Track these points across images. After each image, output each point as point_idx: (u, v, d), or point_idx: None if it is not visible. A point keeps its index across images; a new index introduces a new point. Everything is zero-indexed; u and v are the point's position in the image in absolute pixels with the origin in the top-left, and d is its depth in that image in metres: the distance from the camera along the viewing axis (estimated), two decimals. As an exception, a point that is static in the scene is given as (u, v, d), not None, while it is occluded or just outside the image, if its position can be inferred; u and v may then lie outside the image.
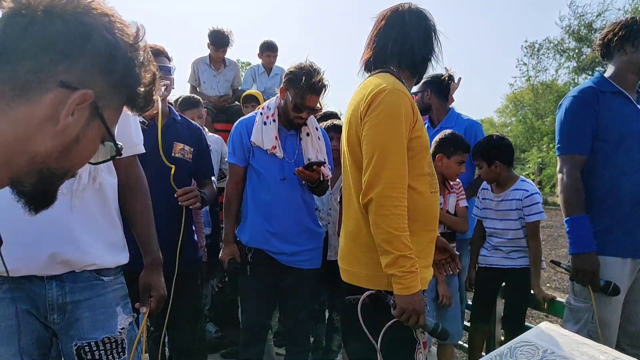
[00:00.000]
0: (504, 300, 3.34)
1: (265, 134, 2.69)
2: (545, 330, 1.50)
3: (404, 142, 1.78)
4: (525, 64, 27.55)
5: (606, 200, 2.38)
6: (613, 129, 2.37)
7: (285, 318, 2.87)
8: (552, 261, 2.79)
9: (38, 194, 0.83)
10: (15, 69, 0.73)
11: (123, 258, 1.76)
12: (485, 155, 3.12)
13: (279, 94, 2.77)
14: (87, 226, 1.61)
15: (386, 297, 1.81)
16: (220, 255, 2.80)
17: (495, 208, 3.18)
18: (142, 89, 0.87)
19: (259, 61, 5.58)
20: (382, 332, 1.78)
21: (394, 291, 1.76)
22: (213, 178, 3.00)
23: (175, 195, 2.45)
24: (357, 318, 1.83)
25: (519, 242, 3.14)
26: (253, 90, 4.78)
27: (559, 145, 2.49)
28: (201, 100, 3.91)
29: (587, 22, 24.52)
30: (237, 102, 5.23)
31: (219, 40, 5.16)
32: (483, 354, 3.40)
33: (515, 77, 28.64)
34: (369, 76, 1.97)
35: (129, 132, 1.82)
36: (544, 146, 24.22)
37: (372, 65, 1.99)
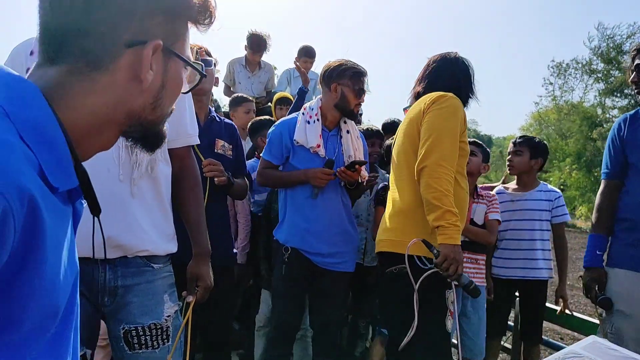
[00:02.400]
0: (515, 311, 3.39)
1: (309, 133, 2.74)
2: (594, 344, 1.50)
3: (457, 134, 2.16)
4: (551, 83, 27.40)
5: (630, 219, 2.47)
6: (635, 152, 2.49)
7: (313, 321, 2.87)
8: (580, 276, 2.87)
9: (149, 138, 0.87)
10: (82, 45, 0.75)
11: (173, 246, 1.79)
12: (533, 148, 3.26)
13: (323, 97, 2.84)
14: (142, 213, 1.65)
15: (431, 246, 2.06)
16: None
17: (516, 208, 3.20)
18: (196, 1, 0.85)
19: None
20: (421, 278, 2.07)
21: (439, 241, 2.03)
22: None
23: (202, 166, 2.46)
24: (394, 290, 2.22)
25: (535, 246, 3.16)
26: (287, 93, 4.83)
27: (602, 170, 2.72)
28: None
29: (616, 43, 24.30)
30: (270, 104, 5.28)
31: (256, 45, 5.22)
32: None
33: (541, 96, 28.42)
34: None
35: (184, 123, 1.86)
36: (567, 167, 23.96)
37: (422, 95, 2.35)
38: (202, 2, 0.85)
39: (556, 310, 3.26)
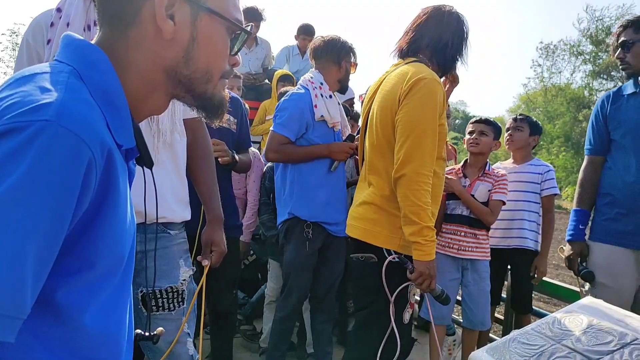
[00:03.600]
0: (506, 282, 3.49)
1: (330, 109, 2.81)
2: (589, 304, 1.60)
3: (437, 127, 2.00)
4: (539, 65, 27.54)
5: (612, 194, 2.54)
6: (621, 129, 2.52)
7: (318, 289, 2.95)
8: (560, 248, 2.98)
9: (201, 102, 0.87)
10: (114, 3, 0.79)
11: (188, 214, 1.86)
12: (533, 126, 3.40)
13: (323, 72, 2.88)
14: (162, 181, 1.71)
15: (405, 262, 2.04)
16: None
17: (514, 179, 3.29)
18: None
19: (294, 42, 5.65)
20: (396, 292, 2.04)
21: (414, 256, 1.99)
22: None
23: None
24: (361, 276, 2.20)
25: (522, 216, 3.27)
26: (287, 71, 4.85)
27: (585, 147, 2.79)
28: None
29: (605, 25, 24.44)
30: (267, 81, 5.30)
31: (250, 16, 5.21)
32: (491, 336, 3.53)
33: (529, 78, 28.70)
34: (403, 64, 2.15)
35: None
36: (554, 149, 24.23)
37: (405, 52, 2.20)
38: None
39: (546, 282, 3.37)
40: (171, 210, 1.76)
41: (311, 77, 2.88)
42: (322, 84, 2.84)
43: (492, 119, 3.27)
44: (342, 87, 2.97)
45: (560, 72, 27.23)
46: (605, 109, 2.61)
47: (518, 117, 3.47)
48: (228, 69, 0.88)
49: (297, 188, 2.82)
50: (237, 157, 2.69)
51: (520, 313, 3.38)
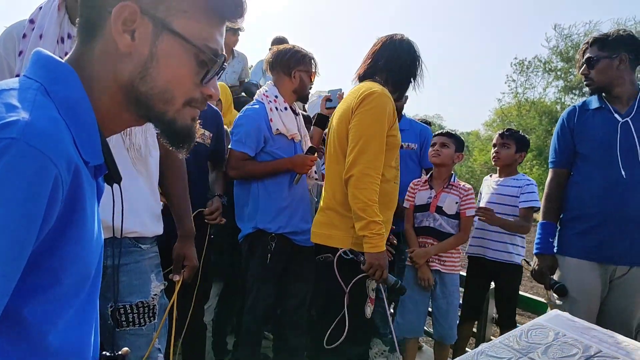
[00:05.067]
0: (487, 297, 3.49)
1: (286, 121, 2.81)
2: (556, 316, 1.63)
3: (384, 136, 2.23)
4: (514, 80, 28.03)
5: (580, 208, 2.58)
6: (588, 143, 2.57)
7: (289, 300, 2.92)
8: (525, 260, 3.03)
9: (162, 126, 0.86)
10: (84, 13, 0.80)
11: (160, 228, 1.85)
12: (520, 142, 3.43)
13: (278, 82, 2.91)
14: (135, 195, 1.70)
15: (357, 255, 2.23)
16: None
17: (495, 192, 3.37)
18: None
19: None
20: (351, 284, 2.23)
21: (365, 249, 2.18)
22: None
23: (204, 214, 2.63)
24: (322, 276, 2.35)
25: (503, 229, 3.28)
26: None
27: (549, 160, 2.81)
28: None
29: (574, 42, 25.05)
30: (243, 94, 5.30)
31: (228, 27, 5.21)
32: (467, 349, 3.55)
33: (503, 93, 29.20)
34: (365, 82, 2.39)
35: None
36: (528, 162, 24.62)
37: (363, 77, 2.44)
38: None
39: (524, 297, 3.39)
40: (143, 224, 1.76)
41: (266, 91, 2.90)
42: (276, 96, 2.85)
43: (454, 132, 3.35)
44: (300, 97, 2.97)
45: (533, 88, 27.80)
46: (572, 123, 2.65)
47: (505, 132, 3.49)
48: (198, 98, 0.86)
49: (263, 201, 2.80)
50: (224, 201, 2.76)
51: (504, 327, 3.37)
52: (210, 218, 2.61)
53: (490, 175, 3.63)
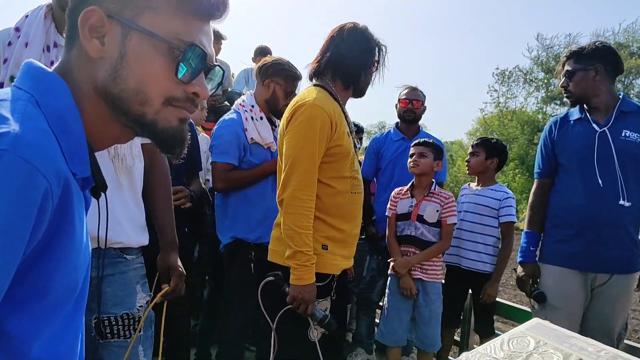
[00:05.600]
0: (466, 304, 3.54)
1: (261, 130, 2.82)
2: (537, 325, 1.65)
3: (315, 151, 2.04)
4: (496, 90, 28.37)
5: (560, 216, 2.64)
6: (568, 153, 2.63)
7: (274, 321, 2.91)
8: (514, 269, 3.06)
9: (144, 129, 0.83)
10: (67, 22, 0.81)
11: (145, 239, 1.85)
12: (489, 149, 3.45)
13: (256, 91, 2.93)
14: (119, 206, 1.71)
15: (283, 284, 2.07)
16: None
17: (472, 201, 3.40)
18: None
19: (252, 65, 5.69)
20: (279, 315, 2.07)
21: (290, 280, 2.02)
22: (201, 173, 3.09)
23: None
24: (269, 295, 2.15)
25: (477, 239, 3.34)
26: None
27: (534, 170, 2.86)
28: None
29: (555, 53, 25.46)
30: (226, 103, 5.31)
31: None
32: (450, 358, 3.57)
33: (486, 103, 29.51)
34: (308, 87, 2.25)
35: None
36: (510, 171, 24.88)
37: (311, 77, 2.28)
38: None
39: (506, 305, 3.44)
40: (127, 235, 1.76)
41: (243, 101, 2.92)
42: (253, 106, 2.87)
43: (431, 141, 3.33)
44: (272, 110, 2.92)
45: (515, 97, 28.16)
46: (553, 134, 2.71)
47: (474, 142, 3.56)
48: (180, 96, 0.82)
49: (241, 211, 2.80)
50: (194, 195, 2.70)
51: (483, 335, 3.41)
52: (174, 198, 2.49)
53: (469, 184, 3.66)
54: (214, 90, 0.90)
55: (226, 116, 2.93)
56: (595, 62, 2.57)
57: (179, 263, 1.94)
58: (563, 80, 2.68)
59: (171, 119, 0.83)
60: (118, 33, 0.78)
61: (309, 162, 2.03)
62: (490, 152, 3.46)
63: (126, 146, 1.75)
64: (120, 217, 1.71)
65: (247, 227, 2.78)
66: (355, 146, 2.25)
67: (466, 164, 3.55)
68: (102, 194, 0.88)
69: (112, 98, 0.79)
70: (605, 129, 2.55)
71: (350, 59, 2.17)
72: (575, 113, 2.69)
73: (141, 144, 1.86)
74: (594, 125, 2.58)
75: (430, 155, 3.22)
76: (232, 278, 2.81)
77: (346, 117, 2.23)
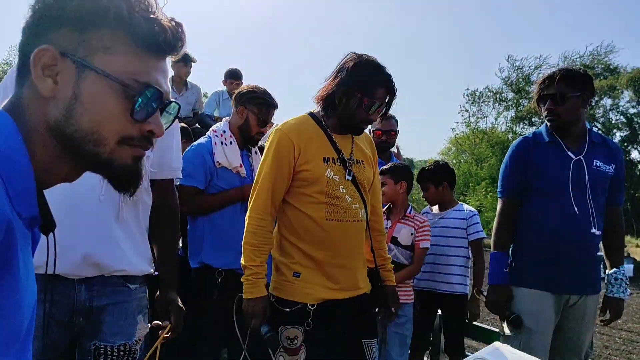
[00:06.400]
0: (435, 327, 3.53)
1: (229, 154, 2.84)
2: (499, 348, 1.68)
3: (273, 175, 2.13)
4: (467, 110, 28.89)
5: (535, 240, 2.64)
6: (545, 178, 2.61)
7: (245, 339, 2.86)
8: (477, 289, 3.08)
9: (100, 169, 0.82)
10: (20, 58, 0.80)
11: (149, 268, 1.86)
12: (434, 178, 3.48)
13: (231, 117, 2.97)
14: (122, 234, 1.73)
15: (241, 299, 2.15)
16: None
17: (439, 225, 3.41)
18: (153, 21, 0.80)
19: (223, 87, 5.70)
20: (248, 332, 2.12)
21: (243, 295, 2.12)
22: None
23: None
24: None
25: (449, 261, 3.36)
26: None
27: (498, 189, 2.83)
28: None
29: (524, 74, 26.11)
30: (197, 125, 5.30)
31: (181, 59, 5.21)
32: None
33: (457, 122, 29.97)
34: None
35: (170, 156, 1.94)
36: (482, 190, 25.23)
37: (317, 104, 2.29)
38: (170, 27, 0.81)
39: (476, 327, 3.44)
40: (130, 263, 1.75)
41: (216, 126, 2.98)
42: (224, 131, 2.91)
43: (387, 166, 3.31)
44: (245, 137, 2.92)
45: (485, 117, 28.70)
46: (527, 155, 2.66)
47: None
48: (135, 135, 0.81)
49: (208, 236, 2.80)
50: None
51: (453, 357, 3.41)
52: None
53: (430, 209, 3.67)
54: (168, 125, 0.89)
55: (198, 141, 2.96)
56: (584, 88, 2.55)
57: (178, 299, 1.91)
58: (549, 102, 2.58)
59: (126, 158, 0.82)
60: (72, 72, 0.77)
61: (264, 185, 2.15)
62: (437, 180, 3.48)
63: None
64: (123, 245, 1.72)
65: (215, 252, 2.77)
66: (348, 174, 2.21)
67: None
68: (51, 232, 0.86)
69: (65, 138, 0.77)
70: (581, 157, 2.58)
71: (331, 86, 2.17)
72: (544, 135, 2.67)
73: (154, 180, 1.88)
74: (569, 153, 2.60)
75: (389, 182, 3.23)
76: (199, 302, 2.78)
77: (337, 146, 2.21)
